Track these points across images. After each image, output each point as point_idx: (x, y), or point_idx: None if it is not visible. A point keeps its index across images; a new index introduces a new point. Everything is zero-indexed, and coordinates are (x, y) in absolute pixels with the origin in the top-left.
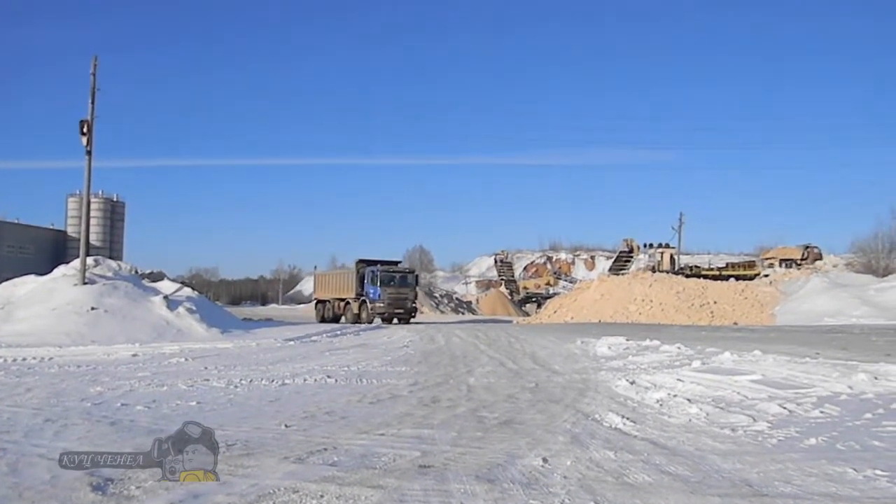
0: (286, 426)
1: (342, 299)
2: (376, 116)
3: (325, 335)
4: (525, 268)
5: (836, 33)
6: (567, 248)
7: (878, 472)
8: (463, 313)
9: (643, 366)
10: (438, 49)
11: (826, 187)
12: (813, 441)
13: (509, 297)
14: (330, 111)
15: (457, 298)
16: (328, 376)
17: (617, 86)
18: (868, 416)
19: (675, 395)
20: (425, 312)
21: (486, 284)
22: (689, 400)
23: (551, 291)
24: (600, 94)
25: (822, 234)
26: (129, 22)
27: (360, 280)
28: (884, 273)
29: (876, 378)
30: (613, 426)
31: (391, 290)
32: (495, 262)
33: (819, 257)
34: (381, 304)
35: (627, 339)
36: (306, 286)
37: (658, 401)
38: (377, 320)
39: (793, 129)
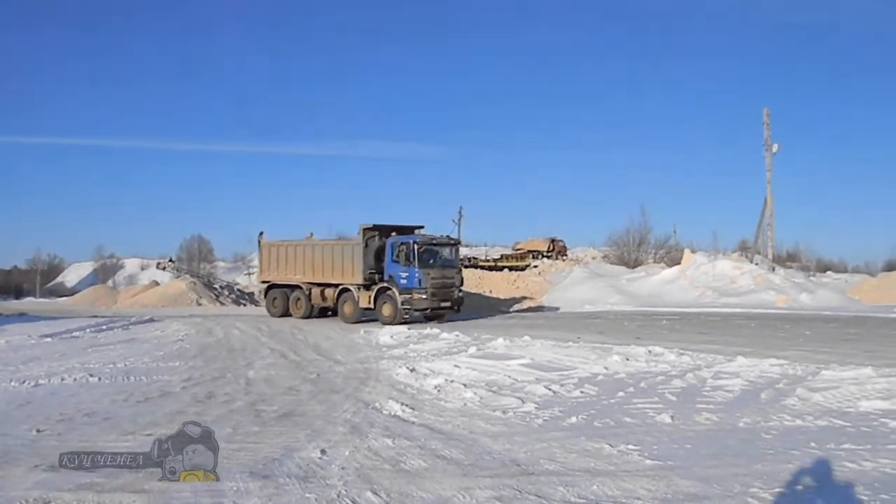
0: (38, 431)
1: (335, 286)
2: (145, 96)
3: (88, 330)
4: None
5: (599, 41)
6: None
7: (631, 446)
8: (245, 305)
9: (423, 353)
10: (215, 38)
11: (588, 185)
12: (574, 420)
13: None
14: (93, 88)
15: (238, 290)
16: (90, 375)
17: (399, 80)
18: (621, 394)
19: (452, 381)
20: (204, 304)
21: None
22: (464, 385)
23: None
24: (379, 88)
25: (584, 227)
26: None
27: (376, 257)
28: (634, 264)
29: (627, 359)
30: (393, 413)
31: (435, 273)
32: None
33: (564, 249)
34: (423, 296)
35: (409, 328)
36: (69, 277)
37: (436, 387)
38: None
39: (560, 131)
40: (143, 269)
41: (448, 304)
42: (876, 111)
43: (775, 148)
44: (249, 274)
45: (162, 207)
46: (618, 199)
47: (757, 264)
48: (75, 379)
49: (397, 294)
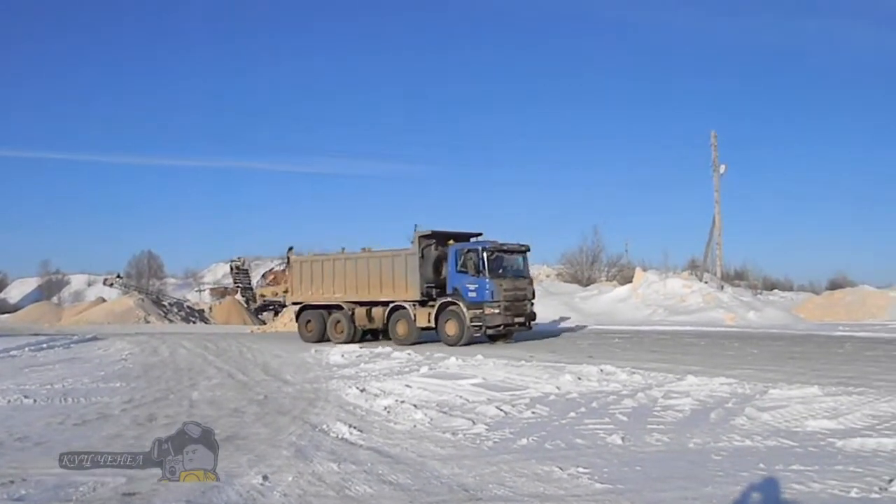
0: None
1: (384, 304)
2: (94, 110)
3: (27, 349)
4: (263, 275)
5: (549, 62)
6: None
7: (581, 469)
8: (195, 322)
9: (374, 373)
10: (172, 49)
11: (542, 203)
12: (525, 441)
13: (245, 306)
14: (41, 101)
15: (188, 307)
16: (25, 396)
17: (353, 96)
18: (572, 414)
19: (402, 402)
20: (153, 322)
21: (221, 292)
22: (415, 406)
23: None
24: (341, 101)
25: (538, 246)
26: None
27: (435, 267)
28: (587, 282)
29: (579, 378)
30: (340, 436)
31: (508, 284)
32: (231, 268)
33: None
34: (496, 310)
35: (361, 347)
36: (11, 293)
37: (386, 408)
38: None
39: (514, 150)
40: (89, 285)
41: (521, 319)
42: (820, 134)
43: (723, 169)
44: (200, 290)
45: (111, 222)
46: (571, 218)
47: (706, 283)
48: (9, 401)
49: (465, 309)
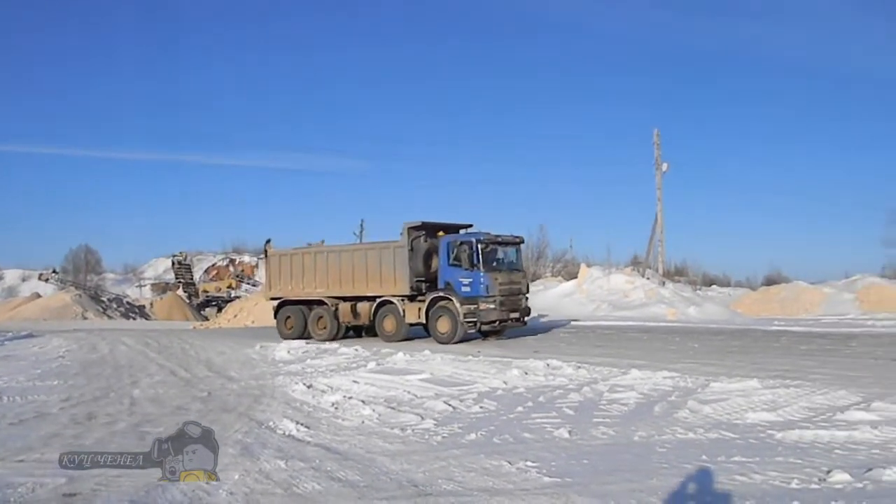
0: None
1: (371, 299)
2: (28, 98)
3: None
4: (206, 270)
5: (497, 57)
6: (252, 250)
7: (529, 463)
8: (135, 318)
9: (321, 369)
10: (110, 41)
11: (486, 199)
12: (473, 436)
13: (187, 301)
14: None
15: (128, 303)
16: None
17: (307, 90)
18: (520, 409)
19: (350, 398)
20: (90, 318)
21: (162, 287)
22: (363, 401)
23: (233, 295)
24: (284, 96)
25: None
26: None
27: (425, 260)
28: (533, 278)
29: (526, 373)
30: (287, 433)
31: (503, 278)
32: (173, 263)
33: None
34: (491, 305)
35: (307, 343)
36: None
37: (333, 404)
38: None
39: (458, 146)
40: (23, 280)
41: (517, 314)
42: (757, 133)
43: (665, 167)
44: (141, 286)
45: (46, 215)
46: (516, 214)
47: (648, 278)
48: None
49: (458, 304)
